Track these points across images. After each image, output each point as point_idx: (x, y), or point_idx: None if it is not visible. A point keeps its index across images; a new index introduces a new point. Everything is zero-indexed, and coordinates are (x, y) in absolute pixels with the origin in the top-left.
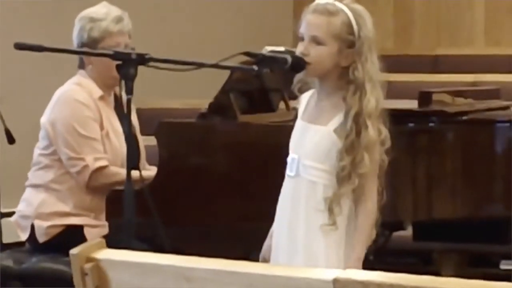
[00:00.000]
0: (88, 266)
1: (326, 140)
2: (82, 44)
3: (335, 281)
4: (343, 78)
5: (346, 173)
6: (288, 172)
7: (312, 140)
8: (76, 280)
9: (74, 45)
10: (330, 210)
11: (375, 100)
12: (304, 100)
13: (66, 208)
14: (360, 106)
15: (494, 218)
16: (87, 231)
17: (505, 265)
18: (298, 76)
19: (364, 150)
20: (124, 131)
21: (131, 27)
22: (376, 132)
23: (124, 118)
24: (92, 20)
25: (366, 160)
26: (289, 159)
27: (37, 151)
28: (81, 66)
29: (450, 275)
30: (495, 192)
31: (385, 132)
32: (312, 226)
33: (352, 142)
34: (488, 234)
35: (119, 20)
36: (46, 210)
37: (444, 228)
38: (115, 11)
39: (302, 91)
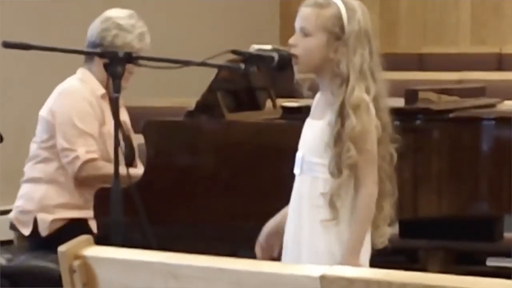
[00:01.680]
0: (76, 263)
1: (322, 134)
2: (100, 44)
3: (322, 278)
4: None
5: (335, 165)
6: (294, 170)
7: (311, 135)
8: (64, 277)
9: (88, 39)
10: (331, 204)
11: (361, 90)
12: (316, 98)
13: (70, 199)
14: (344, 97)
15: (480, 215)
16: (92, 224)
17: (491, 262)
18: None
19: (349, 141)
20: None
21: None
22: (363, 122)
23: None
24: (119, 27)
25: (352, 151)
26: (296, 158)
27: (34, 145)
28: (87, 61)
29: (437, 273)
30: (481, 190)
31: (377, 122)
32: (314, 222)
33: (338, 134)
34: (475, 232)
35: (143, 37)
36: (51, 202)
37: (430, 226)
38: (141, 27)
39: (313, 90)
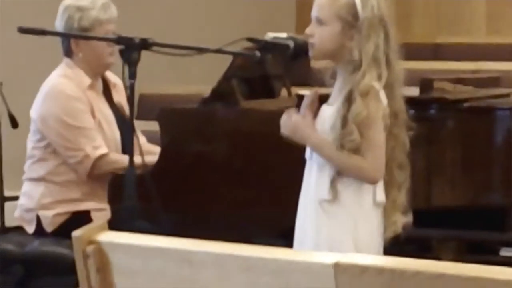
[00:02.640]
0: (90, 248)
1: (332, 119)
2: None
3: (336, 265)
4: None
5: (337, 146)
6: (306, 155)
7: (321, 121)
8: (78, 262)
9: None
10: (332, 185)
11: (372, 77)
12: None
13: (69, 195)
14: (353, 83)
15: (493, 205)
16: (94, 216)
17: (505, 252)
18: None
19: (353, 124)
20: (115, 115)
21: (117, 13)
22: (369, 109)
23: (111, 103)
24: (80, 9)
25: (354, 134)
26: None
27: (30, 144)
28: (68, 54)
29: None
30: (494, 180)
31: (384, 110)
32: (320, 208)
33: (344, 118)
34: (488, 222)
35: (107, 7)
36: (49, 200)
37: (444, 216)
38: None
39: (335, 77)
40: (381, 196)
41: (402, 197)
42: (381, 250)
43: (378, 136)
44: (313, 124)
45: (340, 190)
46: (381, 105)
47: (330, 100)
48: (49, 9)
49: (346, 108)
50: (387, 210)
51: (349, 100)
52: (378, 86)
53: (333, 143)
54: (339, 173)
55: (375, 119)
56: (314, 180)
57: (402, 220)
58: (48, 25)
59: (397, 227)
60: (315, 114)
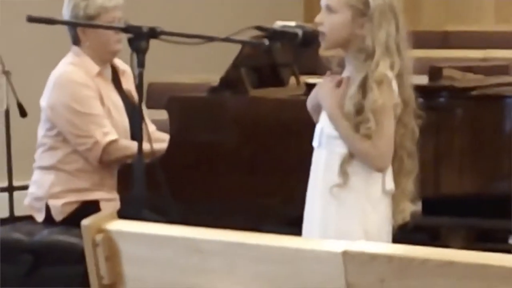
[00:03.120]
0: (99, 237)
1: (344, 106)
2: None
3: (344, 253)
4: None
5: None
6: (313, 142)
7: None
8: (87, 251)
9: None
10: (342, 169)
11: (386, 66)
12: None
13: (78, 184)
14: (368, 71)
15: (502, 193)
16: (103, 205)
17: None
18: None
19: (370, 113)
20: (124, 103)
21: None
22: (384, 98)
23: (120, 90)
24: None
25: (371, 122)
26: (315, 130)
27: (40, 132)
28: (76, 42)
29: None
30: (503, 168)
31: (396, 100)
32: (328, 196)
33: (359, 104)
34: (497, 210)
35: None
36: (58, 189)
37: (453, 204)
38: None
39: (342, 65)
40: (390, 184)
41: (410, 185)
42: (390, 238)
43: (388, 125)
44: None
45: (350, 176)
46: (393, 94)
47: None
48: None
49: (361, 95)
50: (396, 198)
51: (363, 87)
52: (391, 75)
53: None
54: (349, 158)
55: (387, 108)
56: (323, 167)
57: (411, 208)
58: (55, 14)
59: (406, 215)
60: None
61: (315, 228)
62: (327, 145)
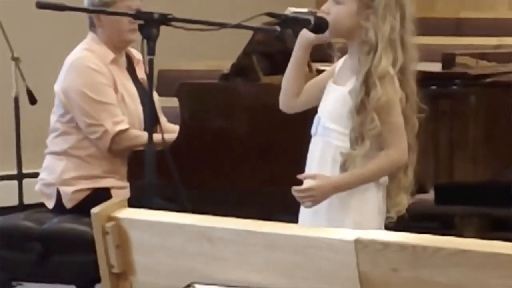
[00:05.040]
0: (109, 225)
1: (341, 100)
2: (93, 7)
3: (357, 242)
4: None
5: (357, 134)
6: (311, 131)
7: (331, 100)
8: (97, 239)
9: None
10: (343, 170)
11: (388, 61)
12: (340, 63)
13: (90, 171)
14: (370, 66)
15: None
16: (114, 193)
17: None
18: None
19: (373, 111)
20: (139, 92)
21: None
22: (388, 93)
23: (135, 79)
24: None
25: (375, 121)
26: (314, 118)
27: (53, 118)
28: (92, 28)
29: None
30: None
31: (401, 94)
32: None
33: (362, 102)
34: (510, 198)
35: None
36: (70, 175)
37: (466, 192)
38: None
39: (343, 52)
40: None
41: (408, 178)
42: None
43: (398, 119)
44: (327, 178)
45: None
46: (397, 88)
47: (338, 78)
48: None
49: (363, 93)
50: (391, 191)
51: (366, 84)
52: (392, 72)
53: (352, 132)
54: (354, 157)
55: (394, 103)
56: (318, 157)
57: (407, 200)
58: (64, 0)
59: (401, 208)
60: None
61: (307, 218)
62: (323, 136)
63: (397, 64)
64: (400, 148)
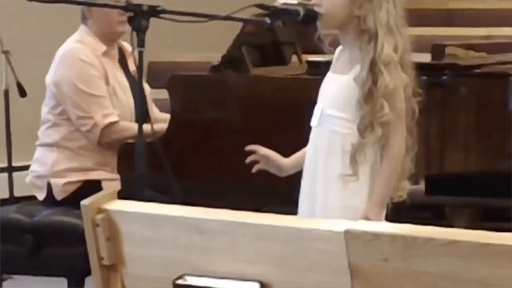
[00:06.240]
0: (99, 217)
1: (346, 88)
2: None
3: (347, 233)
4: (361, 28)
5: (367, 123)
6: (311, 123)
7: (334, 89)
8: (87, 231)
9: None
10: (353, 160)
11: (390, 47)
12: (336, 53)
13: (81, 163)
14: (374, 54)
15: (507, 172)
16: (105, 185)
17: None
18: (324, 31)
19: (382, 98)
20: (131, 85)
21: None
22: (394, 80)
23: (127, 72)
24: None
25: (385, 108)
26: (315, 110)
27: (45, 109)
28: (84, 20)
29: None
30: (508, 146)
31: (406, 79)
32: (330, 175)
33: (369, 91)
34: (502, 189)
35: None
36: (61, 167)
37: (457, 183)
38: None
39: (334, 45)
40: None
41: (408, 163)
42: (383, 216)
43: (403, 105)
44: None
45: (359, 164)
46: (400, 74)
47: (337, 68)
48: None
49: (370, 81)
50: None
51: (372, 72)
52: (396, 57)
53: (362, 121)
54: (362, 148)
55: (398, 88)
56: (325, 148)
57: (408, 186)
58: None
59: (403, 193)
60: None
61: (317, 204)
62: (328, 125)
63: (399, 50)
64: (403, 136)
